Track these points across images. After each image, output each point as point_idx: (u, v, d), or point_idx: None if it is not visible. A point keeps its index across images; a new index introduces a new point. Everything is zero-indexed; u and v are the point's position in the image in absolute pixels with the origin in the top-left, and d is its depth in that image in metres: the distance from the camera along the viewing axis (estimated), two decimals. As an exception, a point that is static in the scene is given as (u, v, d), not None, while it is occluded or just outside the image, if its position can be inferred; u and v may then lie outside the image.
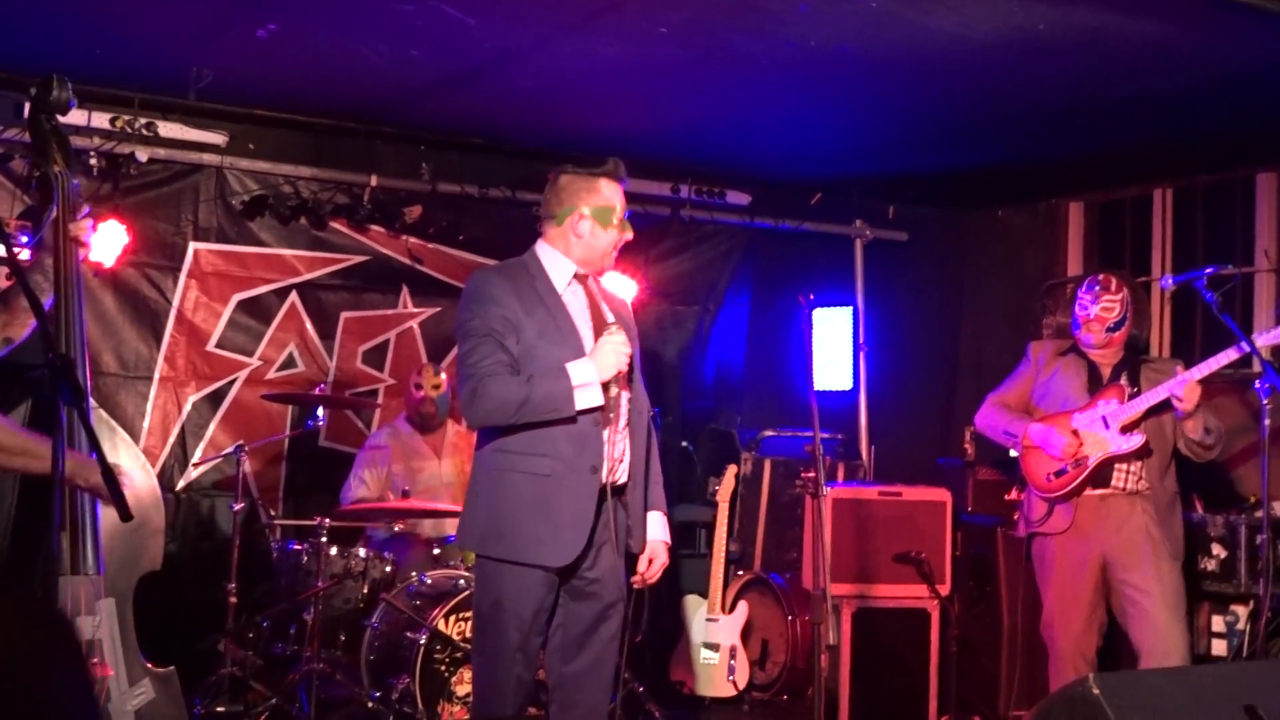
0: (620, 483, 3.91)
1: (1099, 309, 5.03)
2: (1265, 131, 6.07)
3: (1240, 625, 5.57)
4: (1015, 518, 5.42)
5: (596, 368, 3.78)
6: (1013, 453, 5.40)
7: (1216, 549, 5.58)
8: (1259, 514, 5.24)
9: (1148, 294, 6.92)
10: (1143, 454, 4.93)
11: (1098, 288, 5.06)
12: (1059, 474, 4.98)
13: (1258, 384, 4.75)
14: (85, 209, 3.57)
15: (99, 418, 3.73)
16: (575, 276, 3.96)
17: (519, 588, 3.78)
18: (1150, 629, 4.85)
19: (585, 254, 3.94)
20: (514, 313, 3.81)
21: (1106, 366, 5.10)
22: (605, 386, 3.80)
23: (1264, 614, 4.96)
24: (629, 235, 4.01)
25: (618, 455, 3.87)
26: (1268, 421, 4.76)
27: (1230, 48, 4.92)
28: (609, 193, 3.96)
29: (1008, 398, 5.30)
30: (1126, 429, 4.91)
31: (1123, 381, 5.02)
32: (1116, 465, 4.95)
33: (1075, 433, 4.96)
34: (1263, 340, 4.81)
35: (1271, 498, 5.00)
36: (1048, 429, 5.01)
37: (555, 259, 3.95)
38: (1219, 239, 6.79)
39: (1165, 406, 4.89)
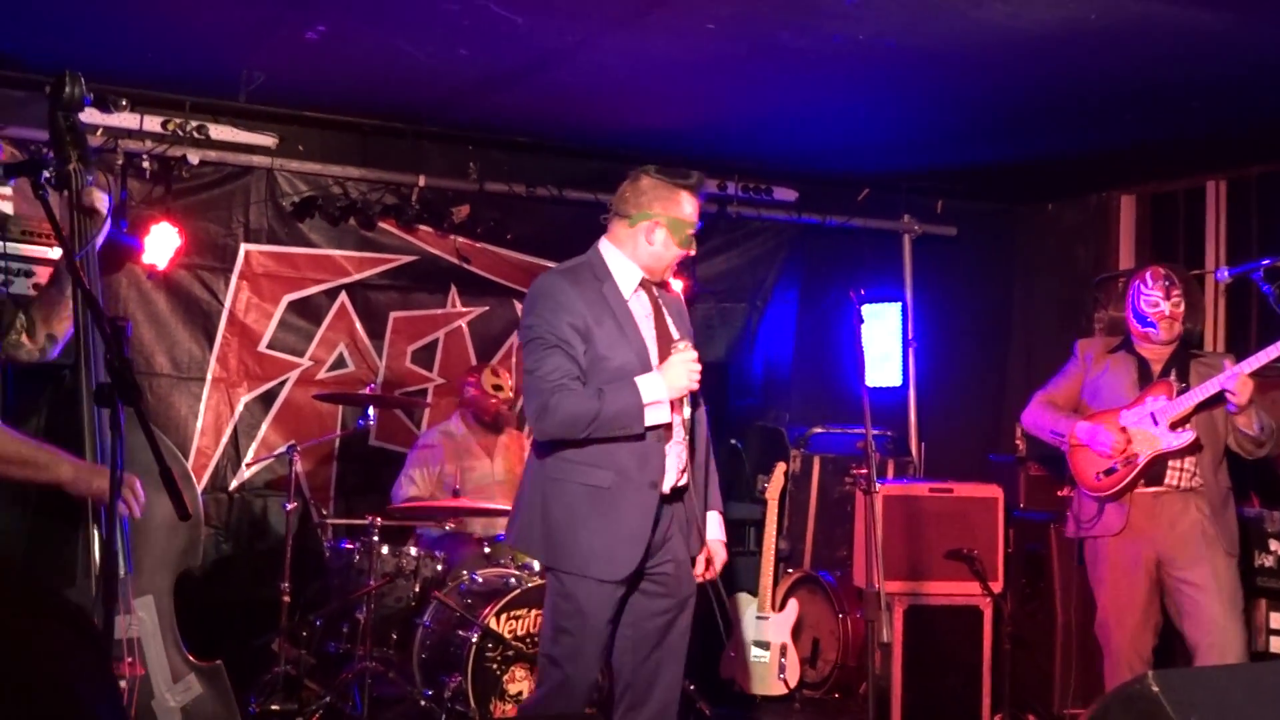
0: (682, 485, 3.91)
1: (1171, 305, 4.96)
2: (1321, 121, 5.98)
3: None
4: (1068, 515, 5.38)
5: (667, 385, 3.75)
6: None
7: (1275, 545, 5.50)
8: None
9: (1201, 287, 6.84)
10: (1194, 450, 4.87)
11: (1166, 283, 4.99)
12: (1108, 472, 4.93)
13: (1316, 377, 4.68)
14: (90, 179, 3.49)
15: (131, 416, 3.76)
16: (641, 283, 3.93)
17: (599, 598, 3.78)
18: (1207, 626, 4.79)
19: (651, 262, 3.92)
20: (583, 320, 3.77)
21: (1157, 363, 5.04)
22: (672, 403, 3.79)
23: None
24: (692, 252, 3.99)
25: (680, 466, 3.88)
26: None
27: (1285, 36, 4.85)
28: (688, 207, 3.92)
29: (1056, 396, 5.26)
30: (1176, 425, 4.85)
31: (1171, 378, 4.96)
32: (1170, 462, 4.90)
33: (1124, 430, 4.91)
34: None
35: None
36: (1095, 426, 4.96)
37: (622, 263, 3.91)
38: (1274, 230, 6.69)
39: (1215, 401, 4.83)
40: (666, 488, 3.84)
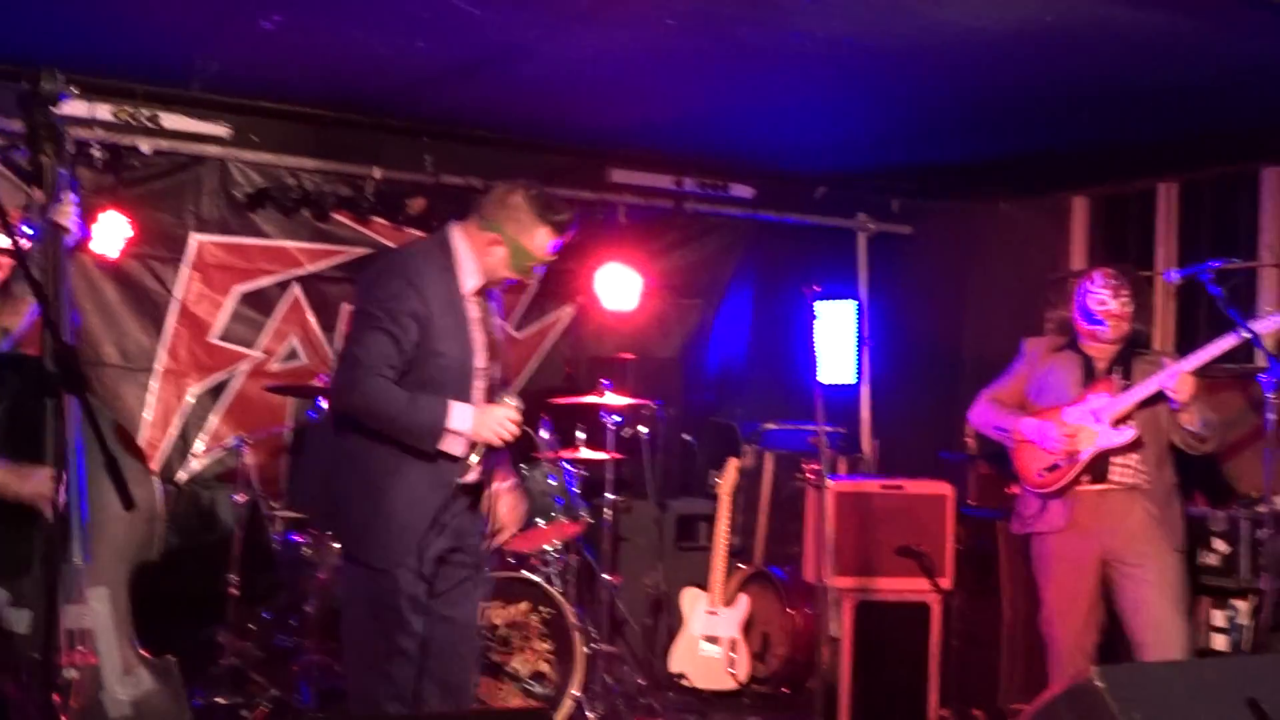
0: (478, 482, 3.93)
1: (1119, 304, 5.02)
2: (1272, 126, 6.05)
3: (1241, 620, 5.56)
4: (1014, 511, 5.43)
5: (474, 425, 3.75)
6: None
7: (1218, 543, 5.57)
8: (1261, 508, 5.24)
9: (1151, 288, 6.91)
10: (1137, 447, 4.93)
11: (1115, 283, 5.05)
12: (1051, 469, 4.99)
13: (1261, 377, 4.74)
14: (73, 196, 3.55)
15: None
16: (478, 287, 3.91)
17: (400, 582, 3.76)
18: (1151, 623, 4.86)
19: (487, 272, 3.90)
20: (426, 308, 3.75)
21: (1101, 361, 5.11)
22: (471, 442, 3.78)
23: (1265, 608, 4.97)
24: (529, 283, 4.04)
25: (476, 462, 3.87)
26: (1272, 415, 4.75)
27: (1238, 41, 4.90)
28: (540, 242, 3.88)
29: (1001, 394, 5.33)
30: (1118, 422, 4.91)
31: (1114, 375, 5.03)
32: (1113, 460, 4.95)
33: (1067, 426, 4.96)
34: (1260, 327, 4.80)
35: (1274, 492, 4.99)
36: (1040, 423, 5.03)
37: (469, 260, 3.88)
38: (1223, 234, 6.77)
39: (1159, 398, 4.89)
40: (469, 479, 3.85)
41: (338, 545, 3.95)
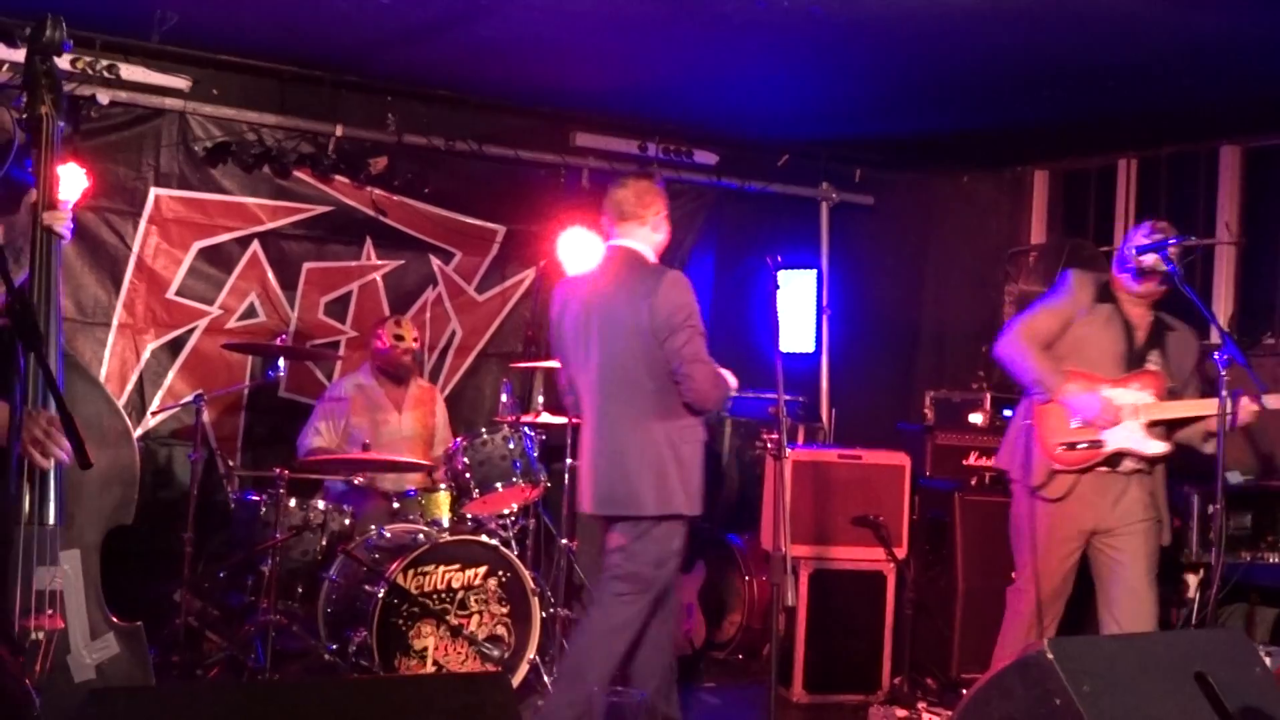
0: None
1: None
2: (1230, 104, 6.11)
3: (1190, 594, 5.63)
4: (1009, 449, 5.10)
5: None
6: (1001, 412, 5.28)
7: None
8: (1212, 484, 5.25)
9: (1109, 263, 6.94)
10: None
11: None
12: (1070, 447, 4.82)
13: (1216, 355, 4.72)
14: (68, 203, 3.53)
15: (76, 367, 3.70)
16: None
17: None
18: (1128, 592, 4.78)
19: (658, 249, 4.68)
20: None
21: (1140, 330, 4.88)
22: None
23: (1215, 582, 4.99)
24: None
25: None
26: (1224, 393, 4.76)
27: (1198, 20, 4.93)
28: (661, 193, 4.69)
29: (1039, 327, 4.93)
30: (1153, 425, 4.78)
31: (1156, 366, 4.85)
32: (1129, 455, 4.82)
33: (1110, 408, 4.75)
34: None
35: (1225, 468, 4.98)
36: (1088, 397, 4.77)
37: (653, 257, 4.63)
38: (1181, 210, 6.82)
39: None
40: None
41: (644, 516, 4.59)
